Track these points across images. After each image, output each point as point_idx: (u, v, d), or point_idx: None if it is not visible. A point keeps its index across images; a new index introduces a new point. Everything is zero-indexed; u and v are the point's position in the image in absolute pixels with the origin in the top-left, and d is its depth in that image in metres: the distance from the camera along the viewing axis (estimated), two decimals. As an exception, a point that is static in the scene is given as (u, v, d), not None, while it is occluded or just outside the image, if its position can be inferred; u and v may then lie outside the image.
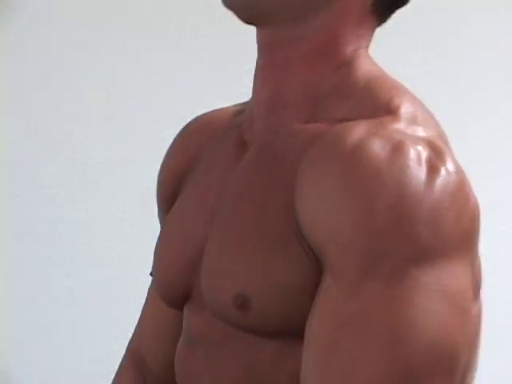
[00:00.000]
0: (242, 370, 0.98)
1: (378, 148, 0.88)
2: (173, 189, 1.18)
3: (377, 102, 0.96)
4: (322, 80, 1.01)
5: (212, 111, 1.19)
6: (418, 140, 0.90)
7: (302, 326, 0.93)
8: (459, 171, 0.90)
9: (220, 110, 1.18)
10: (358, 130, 0.89)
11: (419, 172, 0.87)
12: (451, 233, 0.89)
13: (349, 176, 0.87)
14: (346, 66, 1.01)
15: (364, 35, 1.01)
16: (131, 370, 1.27)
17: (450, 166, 0.89)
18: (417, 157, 0.88)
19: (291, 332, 0.94)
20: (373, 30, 1.03)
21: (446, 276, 0.89)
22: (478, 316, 0.95)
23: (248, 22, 0.99)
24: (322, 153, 0.89)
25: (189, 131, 1.18)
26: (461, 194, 0.89)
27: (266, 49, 1.01)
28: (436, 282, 0.88)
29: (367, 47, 1.02)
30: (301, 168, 0.91)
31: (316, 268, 0.92)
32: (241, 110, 1.13)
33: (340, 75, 1.01)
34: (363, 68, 1.00)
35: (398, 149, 0.87)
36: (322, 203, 0.88)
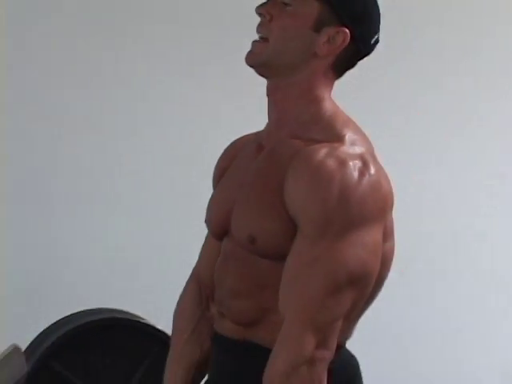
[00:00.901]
0: (250, 272, 1.72)
1: (331, 163, 1.61)
2: (220, 175, 1.92)
3: (333, 132, 1.69)
4: (303, 111, 1.71)
5: (243, 136, 1.95)
6: (355, 156, 1.63)
7: (284, 253, 1.63)
8: (377, 173, 1.63)
9: (248, 134, 1.93)
10: (320, 152, 1.62)
11: (353, 176, 1.60)
12: (370, 210, 1.61)
13: (314, 179, 1.60)
14: (318, 103, 1.72)
15: (328, 84, 1.74)
16: (193, 282, 1.98)
17: (371, 171, 1.62)
18: (353, 167, 1.61)
19: (278, 256, 1.65)
20: (333, 81, 1.76)
21: (366, 236, 1.61)
22: (388, 254, 1.72)
23: (261, 75, 1.72)
24: (299, 164, 1.63)
25: (230, 147, 1.96)
26: (376, 186, 1.61)
27: (271, 91, 1.74)
28: (361, 240, 1.61)
29: (330, 91, 1.76)
30: (289, 169, 1.64)
31: (292, 224, 1.63)
32: (261, 131, 1.86)
33: (314, 109, 1.71)
34: (327, 107, 1.72)
35: (342, 163, 1.61)
36: (298, 192, 1.61)
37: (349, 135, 1.70)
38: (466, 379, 3.72)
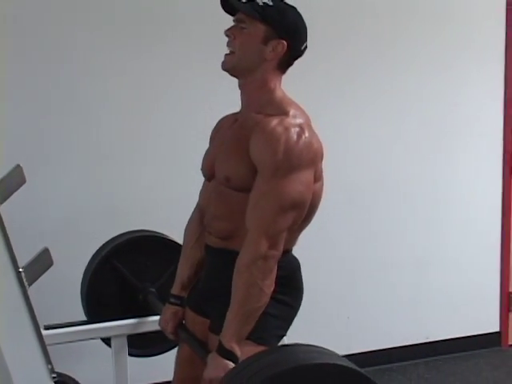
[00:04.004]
0: (225, 202, 2.21)
1: (279, 129, 2.09)
2: (213, 139, 2.40)
3: (281, 109, 2.15)
4: (261, 98, 2.19)
5: (228, 114, 2.40)
6: (295, 125, 2.11)
7: (248, 187, 2.11)
8: (310, 137, 2.11)
9: (229, 114, 2.40)
10: (272, 123, 2.11)
11: (294, 138, 2.10)
12: (305, 160, 2.10)
13: (267, 140, 2.10)
14: (271, 92, 2.19)
15: (277, 78, 2.21)
16: (197, 211, 2.46)
17: (306, 134, 2.10)
18: (294, 132, 2.09)
19: (244, 189, 2.14)
20: (281, 76, 2.22)
21: (302, 176, 2.09)
22: (318, 190, 2.20)
23: (233, 76, 2.21)
24: (259, 130, 2.11)
25: (221, 121, 2.44)
26: (309, 145, 2.11)
27: (241, 86, 2.22)
28: (299, 178, 2.09)
29: (279, 83, 2.21)
30: (252, 134, 2.11)
31: (253, 168, 2.11)
32: (238, 111, 2.31)
33: (268, 96, 2.19)
34: (277, 94, 2.20)
35: (287, 129, 2.10)
36: (258, 149, 2.12)
37: (292, 111, 2.16)
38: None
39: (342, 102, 4.19)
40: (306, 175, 2.11)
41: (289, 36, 2.17)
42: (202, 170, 2.36)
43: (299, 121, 2.13)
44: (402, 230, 4.41)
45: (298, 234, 2.27)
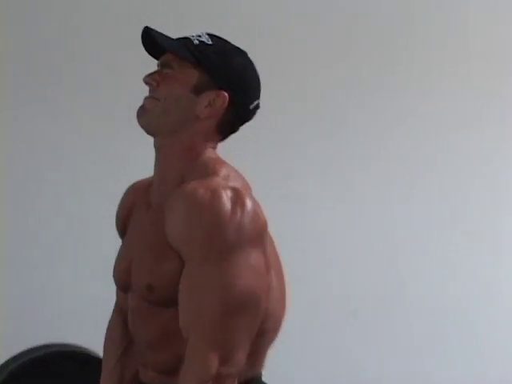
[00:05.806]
0: (156, 325, 1.71)
1: (201, 192, 1.57)
2: (123, 223, 1.91)
3: (207, 170, 1.66)
4: (185, 167, 1.70)
5: (139, 180, 1.91)
6: (227, 187, 1.59)
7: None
8: (252, 204, 1.61)
9: (143, 179, 1.90)
10: (190, 185, 1.59)
11: (226, 205, 1.57)
12: (248, 236, 1.58)
13: (186, 209, 1.57)
14: (198, 156, 1.70)
15: (210, 143, 1.73)
16: (117, 314, 1.96)
17: (247, 202, 1.60)
18: (225, 196, 1.57)
19: (175, 302, 1.61)
20: (216, 142, 1.74)
21: (249, 258, 1.58)
22: (275, 287, 1.68)
23: (149, 134, 1.72)
24: (173, 201, 1.61)
25: (128, 193, 1.93)
26: (254, 216, 1.60)
27: (156, 149, 1.74)
28: (244, 262, 1.58)
29: (213, 150, 1.73)
30: (165, 210, 1.61)
31: (183, 264, 1.59)
32: (149, 180, 1.83)
33: (194, 161, 1.69)
34: (206, 156, 1.70)
35: (214, 192, 1.57)
36: (176, 225, 1.59)
37: (222, 172, 1.69)
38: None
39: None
40: (254, 256, 1.62)
41: (232, 87, 1.71)
42: (113, 277, 1.88)
43: (233, 184, 1.65)
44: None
45: (263, 352, 1.75)
